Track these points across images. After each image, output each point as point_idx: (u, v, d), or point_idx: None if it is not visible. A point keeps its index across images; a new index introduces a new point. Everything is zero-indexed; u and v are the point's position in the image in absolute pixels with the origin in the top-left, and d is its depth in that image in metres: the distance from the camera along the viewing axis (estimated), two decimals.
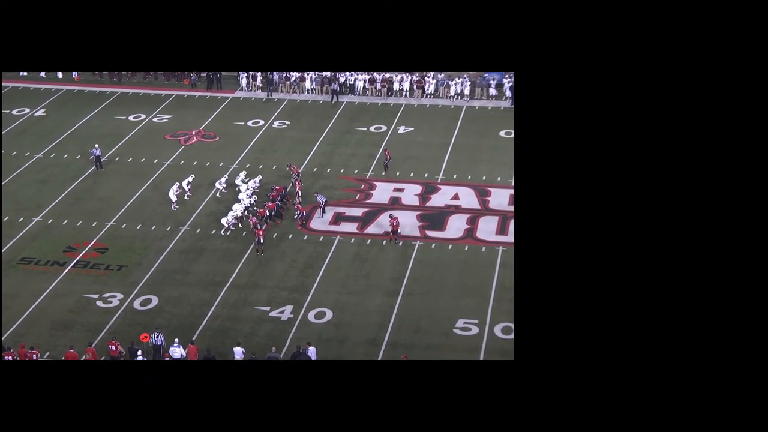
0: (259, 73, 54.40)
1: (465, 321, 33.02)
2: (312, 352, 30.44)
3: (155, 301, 34.66)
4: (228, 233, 38.72)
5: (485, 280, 35.37)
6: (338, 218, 39.94)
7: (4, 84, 54.78)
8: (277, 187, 41.18)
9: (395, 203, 41.11)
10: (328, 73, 53.63)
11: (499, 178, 43.10)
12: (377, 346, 31.89)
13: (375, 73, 53.56)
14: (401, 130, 49.16)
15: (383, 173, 43.72)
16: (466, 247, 37.64)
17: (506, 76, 53.10)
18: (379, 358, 31.32)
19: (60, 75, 56.53)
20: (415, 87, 53.23)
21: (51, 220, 40.22)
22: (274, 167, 44.47)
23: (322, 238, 38.48)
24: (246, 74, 54.58)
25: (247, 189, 41.08)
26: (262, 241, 37.20)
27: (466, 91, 52.61)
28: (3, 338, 31.82)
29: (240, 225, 39.10)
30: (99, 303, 34.51)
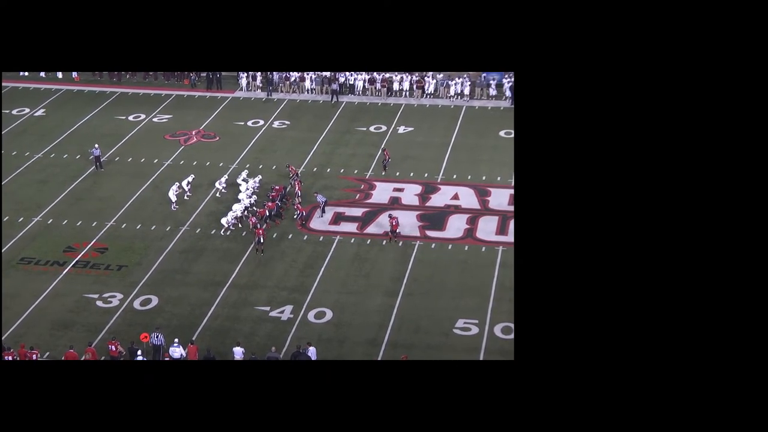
0: (258, 73, 54.41)
1: (465, 321, 33.02)
2: (312, 353, 30.44)
3: (155, 301, 34.66)
4: (228, 233, 38.72)
5: (485, 280, 35.37)
6: (338, 218, 39.94)
7: (4, 84, 54.78)
8: (276, 187, 41.18)
9: (395, 203, 41.12)
10: (328, 73, 53.64)
11: (498, 178, 43.11)
12: (377, 346, 31.89)
13: (375, 73, 53.57)
14: (401, 130, 49.17)
15: (383, 173, 43.72)
16: (466, 247, 37.64)
17: (506, 76, 53.10)
18: (379, 358, 31.32)
19: (60, 75, 56.54)
20: (414, 87, 53.23)
21: (51, 220, 40.22)
22: (274, 167, 44.47)
23: (322, 238, 38.48)
24: (246, 74, 54.58)
25: (247, 189, 41.09)
26: (262, 241, 37.21)
27: (466, 91, 52.61)
28: (3, 338, 31.82)
29: (240, 225, 39.11)
30: (99, 303, 34.51)
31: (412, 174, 43.85)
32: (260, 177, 42.61)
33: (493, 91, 52.87)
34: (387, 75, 53.58)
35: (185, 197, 41.51)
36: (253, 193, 40.90)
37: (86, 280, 35.86)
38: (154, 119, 51.10)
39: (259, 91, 54.50)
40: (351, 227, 39.27)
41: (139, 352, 31.09)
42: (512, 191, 41.20)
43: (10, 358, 30.21)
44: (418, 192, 42.16)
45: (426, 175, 43.80)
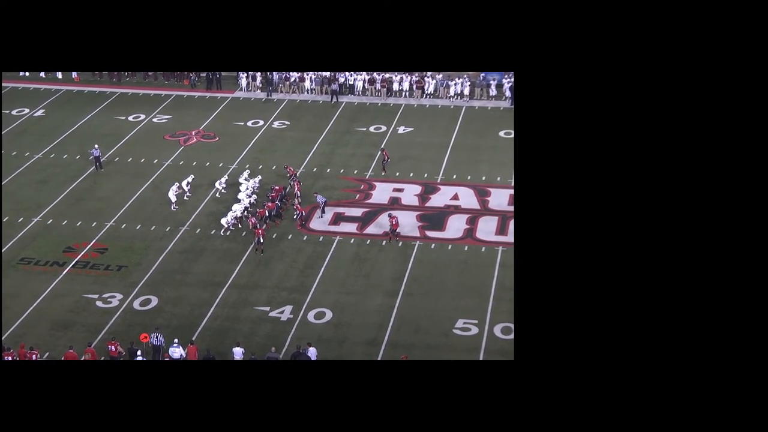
0: (258, 74, 54.40)
1: (465, 321, 33.01)
2: (312, 353, 30.42)
3: (155, 301, 34.66)
4: (227, 233, 38.71)
5: (485, 280, 35.37)
6: (338, 218, 39.93)
7: (4, 84, 54.77)
8: (276, 188, 41.17)
9: (395, 203, 41.11)
10: (327, 74, 53.63)
11: (498, 179, 43.10)
12: (377, 346, 31.89)
13: (375, 74, 53.56)
14: (401, 130, 49.16)
15: (382, 173, 43.71)
16: (466, 247, 37.64)
17: (506, 76, 53.09)
18: (379, 358, 31.32)
19: (60, 75, 56.53)
20: (414, 87, 53.23)
21: (51, 221, 40.21)
22: (274, 167, 44.46)
23: (321, 238, 38.47)
24: (246, 74, 54.57)
25: (247, 189, 41.09)
26: (261, 241, 37.21)
27: (466, 91, 52.60)
28: (3, 338, 31.81)
29: (240, 225, 39.10)
30: (99, 303, 34.50)
31: (411, 174, 43.84)
32: (260, 177, 42.61)
33: (493, 92, 52.84)
34: (387, 75, 53.57)
35: (185, 197, 41.50)
36: (252, 193, 40.90)
37: (86, 280, 35.85)
38: (154, 119, 51.10)
39: (259, 91, 54.49)
40: (351, 227, 39.26)
41: (138, 353, 31.09)
42: (512, 191, 41.19)
43: (10, 358, 30.21)
44: (418, 192, 42.15)
45: (426, 175, 43.80)
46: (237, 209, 39.50)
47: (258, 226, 37.84)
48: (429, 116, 50.97)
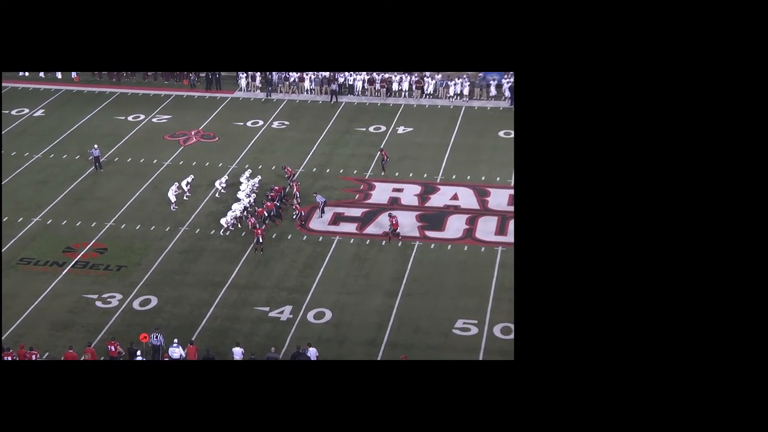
0: (258, 74, 54.39)
1: (464, 321, 33.02)
2: (312, 353, 30.40)
3: (154, 301, 34.66)
4: (227, 233, 38.71)
5: (484, 280, 35.37)
6: (337, 218, 39.93)
7: (3, 84, 54.76)
8: (276, 188, 41.18)
9: (394, 203, 41.11)
10: (327, 74, 53.63)
11: (498, 179, 43.11)
12: (377, 346, 31.89)
13: (374, 74, 53.56)
14: (400, 130, 49.16)
15: (382, 173, 43.71)
16: (466, 248, 37.64)
17: (506, 76, 53.10)
18: (379, 359, 31.32)
19: (59, 75, 56.52)
20: (414, 87, 53.23)
21: (50, 221, 40.21)
22: (273, 167, 44.45)
23: (321, 238, 38.48)
24: (245, 74, 54.57)
25: (246, 189, 41.09)
26: (261, 240, 37.22)
27: (465, 91, 52.61)
28: (2, 338, 31.81)
29: (239, 225, 39.10)
30: (98, 303, 34.50)
31: (411, 174, 43.85)
32: (259, 177, 42.61)
33: (493, 92, 52.84)
34: (386, 75, 53.57)
35: (185, 197, 41.50)
36: (252, 193, 40.90)
37: (86, 280, 35.85)
38: (154, 119, 51.09)
39: (259, 91, 54.49)
40: (350, 227, 39.26)
41: (138, 353, 31.09)
42: (512, 191, 41.20)
43: (10, 358, 30.20)
44: (418, 192, 42.16)
45: (425, 175, 43.80)
46: (236, 208, 39.51)
47: (257, 226, 37.84)
48: (428, 116, 50.97)
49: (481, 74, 53.52)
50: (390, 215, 38.73)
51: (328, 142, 47.81)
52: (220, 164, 45.02)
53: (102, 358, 30.94)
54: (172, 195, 40.75)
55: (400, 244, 37.76)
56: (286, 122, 50.55)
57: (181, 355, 30.90)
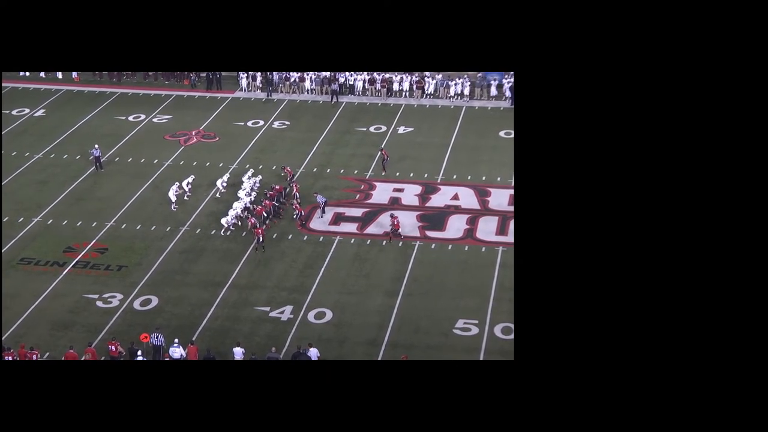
0: (258, 74, 54.39)
1: (465, 321, 33.01)
2: (313, 354, 30.38)
3: (155, 301, 34.66)
4: (228, 233, 38.71)
5: (485, 280, 35.37)
6: (338, 218, 39.94)
7: (4, 84, 54.78)
8: (276, 187, 41.21)
9: (395, 203, 41.10)
10: (327, 74, 53.63)
11: (498, 179, 43.10)
12: (377, 346, 31.89)
13: (375, 74, 53.55)
14: (401, 130, 49.16)
15: (383, 173, 43.71)
16: (466, 248, 37.64)
17: (506, 76, 53.09)
18: (379, 359, 31.32)
19: (60, 75, 56.53)
20: (414, 87, 53.22)
21: (51, 221, 40.22)
22: (274, 167, 44.46)
23: (321, 238, 38.48)
24: (246, 74, 54.57)
25: (246, 187, 41.11)
26: (261, 240, 37.23)
27: (466, 91, 52.60)
28: (3, 338, 31.82)
29: (240, 224, 39.07)
30: (99, 303, 34.50)
31: (411, 174, 43.84)
32: (260, 177, 42.61)
33: (493, 92, 52.83)
34: (387, 75, 53.56)
35: (185, 198, 41.50)
36: (252, 191, 40.89)
37: (86, 280, 35.85)
38: (154, 119, 51.10)
39: (259, 91, 54.49)
40: (351, 227, 39.26)
41: (139, 353, 31.09)
42: (512, 191, 41.19)
43: (10, 358, 30.21)
44: (418, 192, 42.15)
45: (426, 175, 43.80)
46: (237, 207, 39.54)
47: (257, 225, 37.85)
48: (429, 116, 50.97)
49: (479, 74, 53.51)
50: (392, 215, 38.73)
51: (328, 142, 47.81)
52: (221, 164, 45.02)
53: (103, 358, 30.94)
54: (172, 195, 40.75)
55: (400, 244, 37.76)
56: (287, 122, 50.56)
57: (181, 355, 30.90)
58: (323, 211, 40.00)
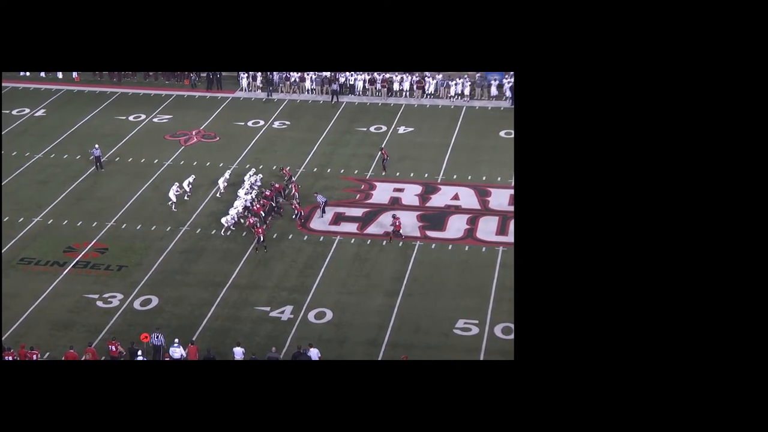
0: (259, 74, 54.40)
1: (465, 321, 33.01)
2: (313, 354, 30.36)
3: (155, 301, 34.66)
4: (228, 233, 38.71)
5: (485, 280, 35.37)
6: (338, 218, 39.94)
7: (4, 84, 54.78)
8: (276, 185, 41.27)
9: (395, 203, 41.10)
10: (328, 74, 53.63)
11: (499, 179, 43.10)
12: (377, 346, 31.89)
13: (375, 74, 53.55)
14: (401, 130, 49.16)
15: (383, 173, 43.72)
16: (467, 248, 37.63)
17: (506, 76, 53.08)
18: (380, 359, 31.32)
19: (60, 75, 56.54)
20: (415, 87, 53.22)
21: (51, 221, 40.22)
22: (274, 167, 44.46)
23: (322, 238, 38.48)
24: (246, 74, 54.58)
25: (246, 185, 41.14)
26: (262, 239, 37.24)
27: (467, 91, 52.60)
28: (3, 338, 31.82)
29: (242, 221, 39.02)
30: (99, 303, 34.50)
31: (412, 174, 43.85)
32: (261, 176, 42.62)
33: (494, 92, 52.81)
34: (387, 75, 53.57)
35: (185, 198, 41.50)
36: (251, 189, 40.89)
37: (86, 280, 35.86)
38: (155, 119, 51.10)
39: (260, 91, 54.49)
40: (351, 227, 39.26)
41: (139, 353, 31.09)
42: (512, 191, 41.18)
43: (11, 358, 30.21)
44: (419, 192, 42.16)
45: (426, 175, 43.80)
46: (238, 205, 39.58)
47: (258, 225, 37.85)
48: (429, 116, 50.97)
49: (478, 75, 53.49)
50: (394, 216, 38.70)
51: (328, 142, 47.81)
52: (221, 164, 45.02)
53: (103, 358, 30.95)
54: (173, 195, 40.76)
55: (401, 244, 37.75)
56: (287, 122, 50.56)
57: (182, 355, 30.90)
58: (323, 211, 40.00)
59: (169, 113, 51.81)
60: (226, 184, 42.10)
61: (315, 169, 44.56)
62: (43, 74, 56.37)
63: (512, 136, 47.05)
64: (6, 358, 30.12)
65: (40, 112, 52.27)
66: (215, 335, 32.61)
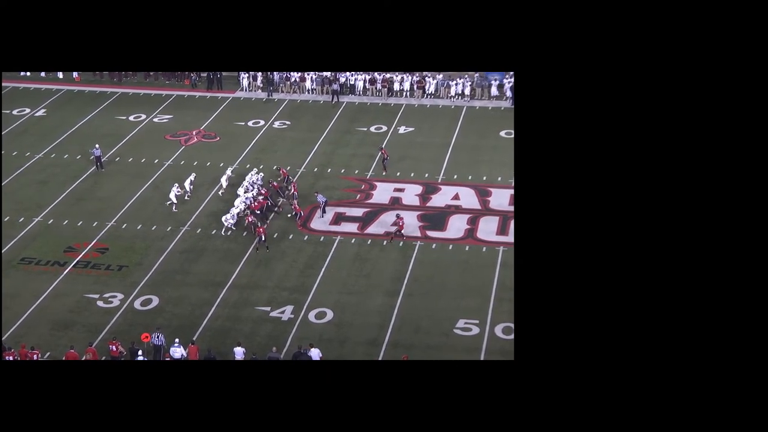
0: (259, 74, 54.40)
1: (465, 321, 33.01)
2: (315, 354, 30.35)
3: (156, 301, 34.67)
4: (229, 233, 38.71)
5: (486, 280, 35.36)
6: (339, 218, 39.94)
7: (4, 84, 54.80)
8: (274, 184, 41.34)
9: (396, 203, 41.10)
10: (328, 74, 53.63)
11: (499, 179, 43.10)
12: (378, 346, 31.89)
13: (375, 74, 53.55)
14: (402, 130, 49.16)
15: (383, 173, 43.71)
16: (467, 248, 37.63)
17: (507, 76, 53.07)
18: (380, 358, 31.32)
19: (60, 75, 56.54)
20: (415, 87, 53.22)
21: (51, 220, 40.23)
22: (275, 167, 44.46)
23: (322, 238, 38.48)
24: (247, 74, 54.58)
25: (246, 183, 41.17)
26: (264, 239, 37.24)
27: (467, 91, 52.59)
28: (3, 338, 31.83)
29: (242, 221, 39.03)
30: (99, 303, 34.51)
31: (412, 174, 43.84)
32: (262, 175, 42.63)
33: (494, 92, 52.81)
34: (387, 75, 53.57)
35: (186, 197, 41.51)
36: (250, 187, 40.90)
37: (87, 280, 35.86)
38: (155, 119, 51.11)
39: (260, 91, 54.49)
40: (352, 227, 39.26)
41: (139, 353, 31.10)
42: (513, 191, 41.17)
43: (11, 358, 30.22)
44: (419, 192, 42.15)
45: (426, 175, 43.80)
46: (238, 203, 39.62)
47: (258, 224, 37.86)
48: (430, 116, 50.97)
49: (476, 75, 53.47)
50: (398, 215, 38.65)
51: (329, 141, 47.81)
52: (222, 164, 45.02)
53: (103, 358, 30.95)
54: (173, 196, 40.76)
55: (401, 244, 37.75)
56: (288, 122, 50.56)
57: (182, 355, 30.91)
58: (324, 211, 40.00)
59: (170, 113, 51.82)
60: (227, 182, 42.09)
61: (315, 169, 44.56)
62: (43, 74, 56.37)
63: (512, 136, 47.05)
64: (6, 358, 30.13)
65: (41, 112, 52.28)
66: (216, 335, 32.62)
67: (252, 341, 32.00)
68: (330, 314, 33.70)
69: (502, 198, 41.31)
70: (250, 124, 50.29)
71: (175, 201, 40.68)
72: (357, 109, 52.00)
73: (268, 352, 31.03)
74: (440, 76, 53.45)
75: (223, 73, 54.92)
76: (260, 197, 39.98)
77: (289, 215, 39.66)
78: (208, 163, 45.21)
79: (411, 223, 39.17)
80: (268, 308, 34.08)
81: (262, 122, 50.44)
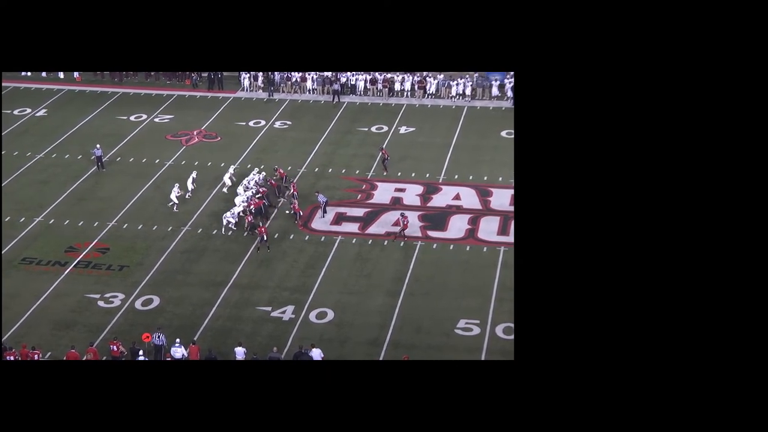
0: (260, 74, 54.40)
1: (466, 321, 33.01)
2: (316, 354, 30.33)
3: (157, 301, 34.67)
4: (230, 233, 38.72)
5: (487, 280, 35.36)
6: (340, 218, 39.94)
7: (5, 84, 54.82)
8: (272, 181, 41.41)
9: (397, 203, 41.10)
10: (329, 74, 53.63)
11: (500, 179, 43.09)
12: (379, 346, 31.89)
13: (376, 74, 53.55)
14: (402, 130, 49.16)
15: (384, 173, 43.71)
16: (468, 248, 37.63)
17: (508, 76, 53.07)
18: (381, 359, 31.32)
19: (61, 75, 56.56)
20: (416, 87, 53.22)
21: (52, 220, 40.24)
22: (276, 167, 44.46)
23: (323, 238, 38.48)
24: (248, 74, 54.58)
25: (245, 182, 41.20)
26: (265, 239, 37.24)
27: (468, 91, 52.59)
28: (4, 338, 31.85)
29: (247, 219, 39.03)
30: (100, 303, 34.52)
31: (413, 174, 43.85)
32: (264, 174, 42.65)
33: (495, 92, 52.80)
34: (388, 75, 53.57)
35: (187, 196, 41.52)
36: (249, 186, 40.92)
37: (88, 280, 35.87)
38: (156, 119, 51.12)
39: (261, 91, 54.50)
40: (352, 227, 39.26)
41: (140, 353, 31.09)
42: (513, 191, 41.19)
43: (12, 358, 30.23)
44: (420, 192, 42.15)
45: (427, 175, 43.80)
46: (238, 202, 39.64)
47: (260, 224, 37.87)
48: (431, 116, 50.97)
49: (476, 75, 53.45)
50: (402, 215, 38.58)
51: (330, 142, 47.82)
52: (222, 164, 45.03)
53: (104, 358, 30.96)
54: (174, 197, 40.77)
55: (402, 244, 37.75)
56: (288, 122, 50.57)
57: (183, 355, 30.91)
58: (324, 211, 40.00)
59: (171, 113, 51.83)
60: (230, 181, 42.10)
61: (316, 169, 44.57)
62: (44, 74, 56.39)
63: (513, 136, 47.06)
64: (7, 358, 30.14)
65: (42, 112, 52.30)
66: (217, 335, 32.62)
67: (253, 341, 32.00)
68: (331, 314, 33.70)
69: (503, 198, 41.31)
70: (251, 124, 50.30)
71: (176, 201, 40.68)
72: (358, 109, 52.00)
73: (269, 352, 31.03)
74: (441, 76, 53.45)
75: (224, 73, 54.92)
76: (257, 197, 39.97)
77: (287, 211, 39.64)
78: (209, 163, 45.22)
79: (412, 223, 39.14)
80: (269, 308, 34.09)
81: (263, 122, 50.45)
